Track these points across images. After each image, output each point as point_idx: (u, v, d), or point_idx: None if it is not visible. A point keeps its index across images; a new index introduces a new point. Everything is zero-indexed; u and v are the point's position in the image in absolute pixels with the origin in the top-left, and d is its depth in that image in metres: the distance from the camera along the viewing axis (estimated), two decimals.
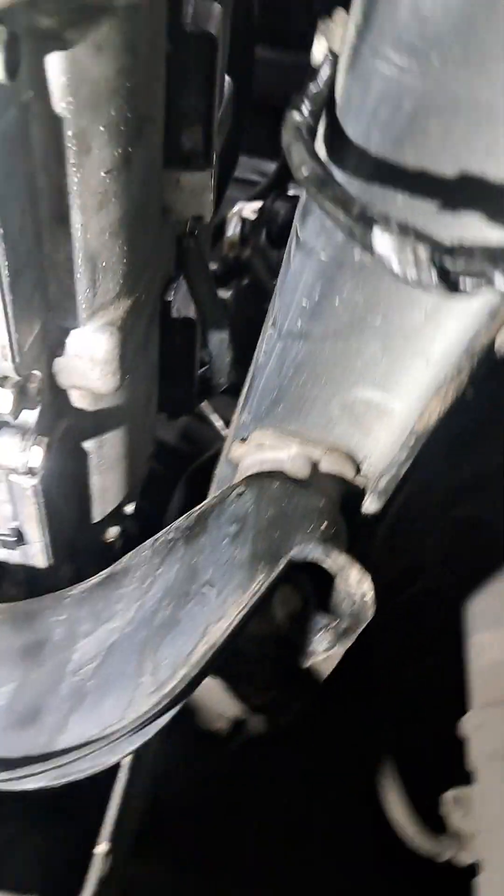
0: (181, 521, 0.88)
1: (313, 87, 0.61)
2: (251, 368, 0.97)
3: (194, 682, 0.75)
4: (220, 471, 1.11)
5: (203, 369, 1.15)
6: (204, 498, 1.42)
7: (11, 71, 0.53)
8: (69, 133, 0.64)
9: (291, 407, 0.91)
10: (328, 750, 1.48)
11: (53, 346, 0.80)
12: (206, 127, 0.87)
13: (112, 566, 0.86)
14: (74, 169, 0.66)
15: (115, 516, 1.08)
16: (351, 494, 0.97)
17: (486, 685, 1.53)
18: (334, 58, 0.63)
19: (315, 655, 0.99)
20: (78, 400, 0.87)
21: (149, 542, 0.87)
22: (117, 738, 0.70)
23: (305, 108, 0.60)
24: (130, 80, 0.65)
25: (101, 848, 0.74)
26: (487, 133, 0.56)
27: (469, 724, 1.50)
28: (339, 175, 0.62)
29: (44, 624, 0.81)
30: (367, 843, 1.45)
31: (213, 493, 1.16)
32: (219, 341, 1.11)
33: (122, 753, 0.70)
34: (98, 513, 1.02)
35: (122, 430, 0.96)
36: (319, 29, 0.67)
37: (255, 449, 0.96)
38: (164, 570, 0.83)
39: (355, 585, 0.85)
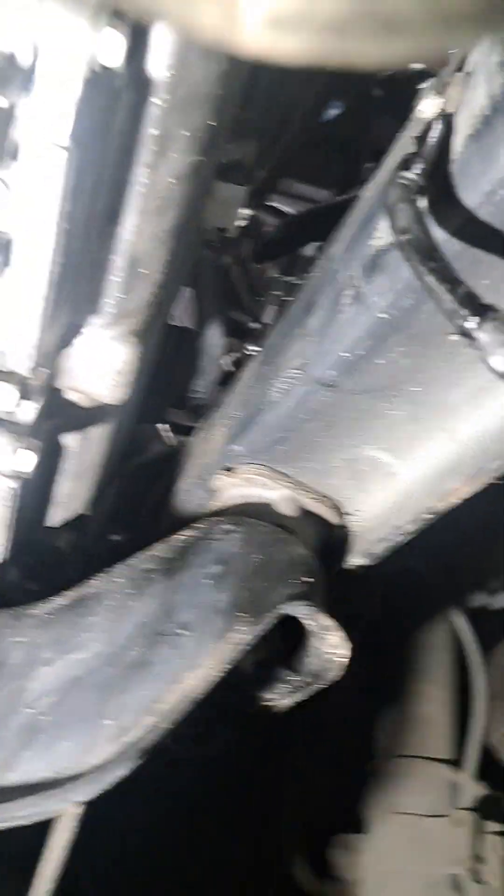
0: (161, 550, 0.83)
1: (426, 148, 0.57)
2: (251, 400, 0.92)
3: (160, 733, 0.70)
4: (191, 492, 1.06)
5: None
6: (140, 499, 1.37)
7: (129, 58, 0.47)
8: (152, 132, 0.57)
9: (294, 450, 0.87)
10: (225, 781, 1.45)
11: (63, 345, 0.73)
12: (259, 142, 0.82)
13: (81, 588, 0.79)
14: (147, 170, 0.59)
15: (74, 523, 1.01)
16: (332, 544, 0.94)
17: (391, 736, 1.55)
18: (448, 119, 0.59)
19: (264, 702, 0.95)
20: (72, 403, 0.80)
21: (122, 567, 0.81)
22: (70, 785, 0.64)
23: (417, 167, 0.56)
24: (225, 89, 0.59)
25: None
26: None
27: (368, 773, 1.51)
28: (436, 238, 0.58)
29: (0, 643, 0.74)
30: (254, 878, 1.43)
31: (177, 505, 1.10)
32: (214, 350, 1.05)
33: (73, 801, 0.64)
34: (59, 518, 0.95)
35: (104, 438, 0.89)
36: (432, 84, 0.63)
37: (242, 482, 0.92)
38: (139, 605, 0.77)
39: (331, 648, 0.82)
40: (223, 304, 1.13)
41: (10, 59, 0.49)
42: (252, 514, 0.89)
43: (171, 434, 1.43)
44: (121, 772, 0.67)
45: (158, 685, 0.73)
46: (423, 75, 1.55)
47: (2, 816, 0.63)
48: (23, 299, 0.60)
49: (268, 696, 0.94)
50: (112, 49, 0.47)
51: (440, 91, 0.60)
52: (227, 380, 1.23)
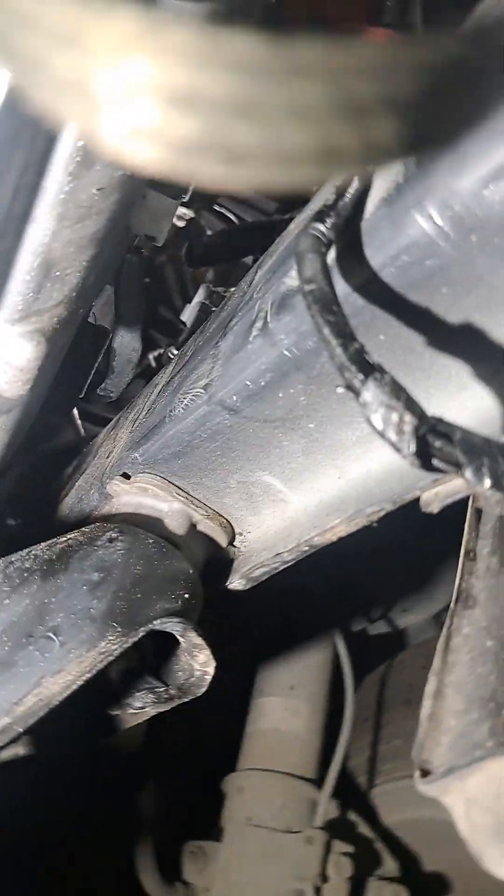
0: (42, 550, 0.82)
1: (341, 204, 0.59)
2: (157, 409, 0.93)
3: (16, 737, 0.70)
4: (87, 492, 1.05)
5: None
6: (42, 486, 1.35)
7: None
8: (79, 143, 0.57)
9: (191, 466, 0.88)
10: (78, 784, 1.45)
11: None
12: None
13: None
14: (70, 178, 0.59)
15: None
16: (218, 561, 0.96)
17: (256, 749, 1.57)
18: (365, 182, 0.61)
19: (127, 709, 0.96)
20: None
21: (1, 563, 0.80)
22: None
23: (330, 220, 0.58)
24: None
25: None
26: (495, 315, 0.57)
27: (230, 784, 1.53)
28: (339, 290, 0.60)
29: None
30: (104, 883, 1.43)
31: (73, 503, 1.10)
32: (128, 353, 1.05)
33: None
34: None
35: (5, 429, 0.88)
36: None
37: (137, 490, 0.92)
38: (11, 603, 0.76)
39: (199, 666, 0.83)
40: (149, 303, 1.13)
41: None
42: (141, 524, 0.90)
43: (82, 424, 1.42)
44: None
45: (19, 687, 0.72)
46: None
47: None
48: None
49: (134, 703, 0.95)
50: None
51: None
52: (147, 376, 1.23)
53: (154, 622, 0.78)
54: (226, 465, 0.86)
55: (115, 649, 0.76)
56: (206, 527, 0.92)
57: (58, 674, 0.74)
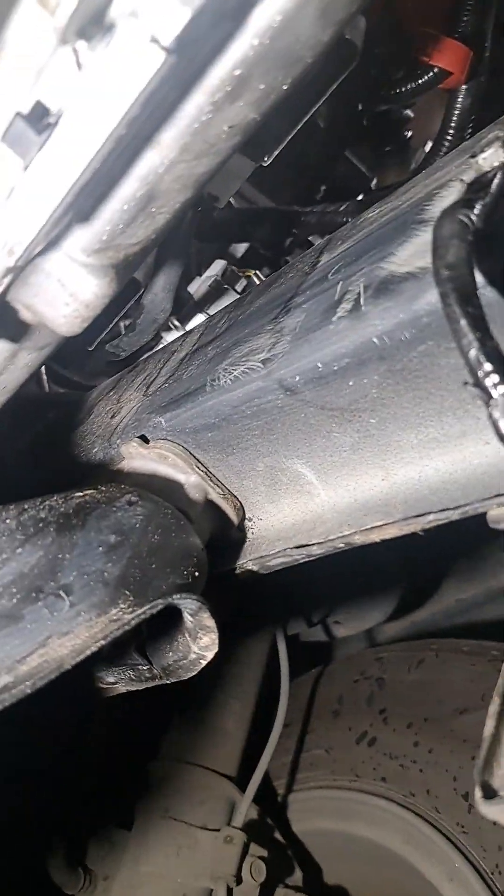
0: (57, 502, 0.76)
1: (490, 193, 0.57)
2: (191, 378, 0.88)
3: (17, 696, 0.64)
4: (92, 448, 0.99)
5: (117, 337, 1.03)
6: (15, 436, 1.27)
7: None
8: (235, 72, 0.53)
9: (221, 441, 0.83)
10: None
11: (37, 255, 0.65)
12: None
13: None
14: (211, 108, 0.55)
15: None
16: (222, 542, 0.92)
17: (181, 739, 1.53)
18: None
19: (96, 681, 0.90)
20: (18, 320, 0.71)
21: (15, 509, 0.73)
22: None
23: (478, 207, 0.56)
24: (316, 60, 0.56)
25: None
26: None
27: (150, 773, 1.48)
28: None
29: None
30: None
31: (72, 456, 1.03)
32: (157, 313, 1.00)
33: None
34: None
35: (29, 367, 0.81)
36: (495, 136, 0.63)
37: (156, 456, 0.87)
38: (24, 553, 0.70)
39: (199, 648, 0.79)
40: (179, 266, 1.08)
41: None
42: (156, 491, 0.85)
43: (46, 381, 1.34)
44: None
45: (25, 644, 0.66)
46: (392, 124, 1.59)
47: None
48: (45, 188, 0.53)
49: (106, 677, 0.90)
50: None
51: None
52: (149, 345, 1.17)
53: (170, 596, 0.73)
54: (259, 447, 0.82)
55: (129, 619, 0.71)
56: (219, 505, 0.88)
57: (65, 636, 0.68)
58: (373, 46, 1.15)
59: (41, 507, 0.75)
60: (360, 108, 1.40)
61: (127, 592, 0.73)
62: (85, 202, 0.61)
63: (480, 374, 0.51)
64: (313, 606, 1.82)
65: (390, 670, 1.63)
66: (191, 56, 0.49)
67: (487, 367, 0.51)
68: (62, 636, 0.68)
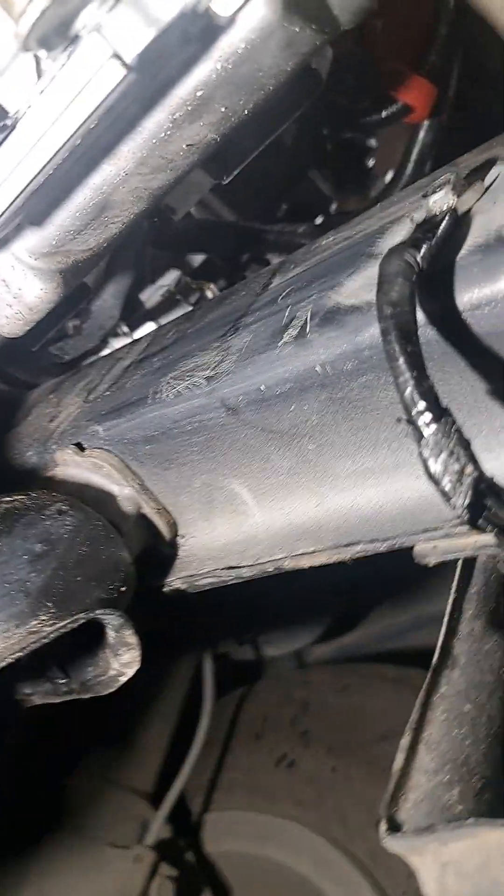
0: None
1: (437, 236, 0.58)
2: (134, 388, 0.87)
3: None
4: (24, 452, 0.96)
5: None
6: None
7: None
8: (198, 93, 0.53)
9: (158, 455, 0.83)
10: None
11: None
12: None
13: None
14: (170, 126, 0.55)
15: None
16: (151, 558, 0.91)
17: (97, 754, 1.51)
18: (455, 217, 0.61)
19: (13, 692, 0.88)
20: None
21: None
22: None
23: (424, 249, 0.57)
24: (278, 84, 0.56)
25: None
26: None
27: (66, 790, 1.45)
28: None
29: None
30: None
31: (11, 460, 1.00)
32: (104, 319, 0.99)
33: None
34: None
35: None
36: (447, 179, 0.64)
37: (90, 466, 0.86)
38: None
39: (119, 665, 0.78)
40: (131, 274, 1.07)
41: None
42: (89, 501, 0.83)
43: None
44: None
45: None
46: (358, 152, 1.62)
47: None
48: None
49: (23, 688, 0.88)
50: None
51: (457, 190, 0.62)
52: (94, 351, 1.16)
53: (93, 611, 0.72)
54: (197, 464, 0.81)
55: (49, 632, 0.70)
56: (151, 520, 0.87)
57: None
58: (343, 75, 1.17)
59: None
60: (325, 132, 1.42)
61: (49, 604, 0.71)
62: (37, 206, 0.60)
63: (414, 412, 0.52)
64: (244, 625, 1.82)
65: (315, 693, 1.63)
66: (153, 74, 0.49)
67: (421, 405, 0.52)
68: None
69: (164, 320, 1.25)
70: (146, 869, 1.30)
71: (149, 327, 1.25)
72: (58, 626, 0.70)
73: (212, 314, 0.90)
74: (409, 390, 0.52)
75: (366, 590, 1.81)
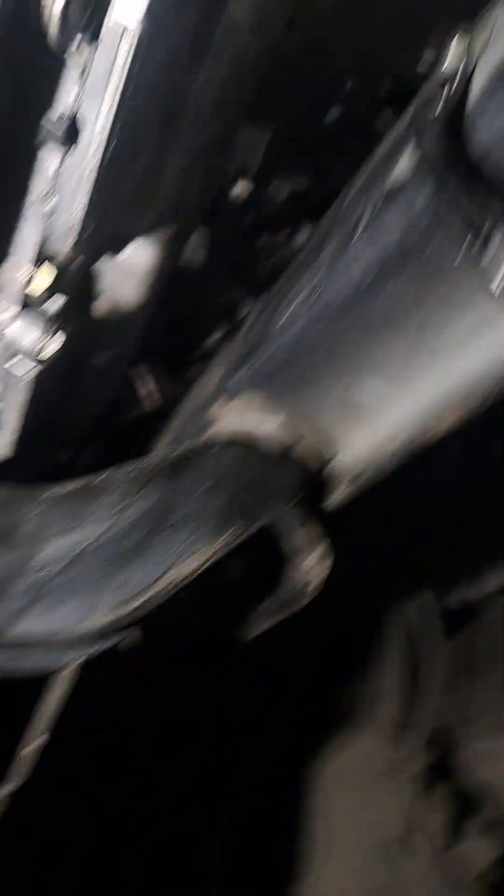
0: (160, 458, 0.88)
1: (452, 84, 0.64)
2: (252, 337, 0.98)
3: (154, 607, 0.75)
4: (182, 430, 1.10)
5: None
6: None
7: None
8: None
9: (292, 381, 0.92)
10: None
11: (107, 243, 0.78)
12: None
13: (89, 477, 0.84)
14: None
15: (73, 441, 1.05)
16: (314, 484, 1.00)
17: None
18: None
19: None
20: (100, 304, 0.85)
21: (125, 468, 0.86)
22: (68, 644, 0.68)
23: (444, 98, 0.63)
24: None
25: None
26: None
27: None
28: None
29: (16, 512, 0.78)
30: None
31: (169, 443, 1.15)
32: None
33: (72, 657, 0.69)
34: (70, 425, 0.99)
35: (114, 348, 0.94)
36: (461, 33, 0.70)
37: (239, 410, 0.97)
38: (143, 497, 0.82)
39: (312, 562, 0.87)
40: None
41: None
42: (244, 441, 0.94)
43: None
44: (114, 639, 0.72)
45: (156, 567, 0.78)
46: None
47: (3, 666, 0.67)
48: (81, 178, 0.65)
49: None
50: None
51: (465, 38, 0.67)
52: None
53: (271, 513, 0.82)
54: (329, 375, 0.90)
55: (235, 539, 0.81)
56: (306, 447, 0.97)
57: (186, 559, 0.79)
58: None
59: (145, 463, 0.87)
60: None
61: (233, 518, 0.83)
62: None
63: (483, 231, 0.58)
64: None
65: None
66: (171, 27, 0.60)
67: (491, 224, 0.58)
68: (184, 559, 0.79)
69: None
70: (410, 794, 1.36)
71: None
72: (244, 533, 0.81)
73: (308, 246, 0.99)
74: (466, 209, 0.59)
75: None
